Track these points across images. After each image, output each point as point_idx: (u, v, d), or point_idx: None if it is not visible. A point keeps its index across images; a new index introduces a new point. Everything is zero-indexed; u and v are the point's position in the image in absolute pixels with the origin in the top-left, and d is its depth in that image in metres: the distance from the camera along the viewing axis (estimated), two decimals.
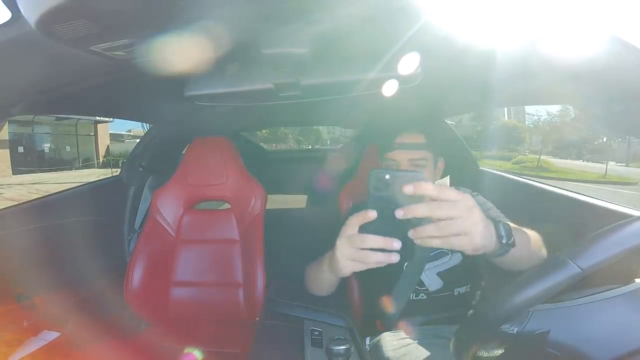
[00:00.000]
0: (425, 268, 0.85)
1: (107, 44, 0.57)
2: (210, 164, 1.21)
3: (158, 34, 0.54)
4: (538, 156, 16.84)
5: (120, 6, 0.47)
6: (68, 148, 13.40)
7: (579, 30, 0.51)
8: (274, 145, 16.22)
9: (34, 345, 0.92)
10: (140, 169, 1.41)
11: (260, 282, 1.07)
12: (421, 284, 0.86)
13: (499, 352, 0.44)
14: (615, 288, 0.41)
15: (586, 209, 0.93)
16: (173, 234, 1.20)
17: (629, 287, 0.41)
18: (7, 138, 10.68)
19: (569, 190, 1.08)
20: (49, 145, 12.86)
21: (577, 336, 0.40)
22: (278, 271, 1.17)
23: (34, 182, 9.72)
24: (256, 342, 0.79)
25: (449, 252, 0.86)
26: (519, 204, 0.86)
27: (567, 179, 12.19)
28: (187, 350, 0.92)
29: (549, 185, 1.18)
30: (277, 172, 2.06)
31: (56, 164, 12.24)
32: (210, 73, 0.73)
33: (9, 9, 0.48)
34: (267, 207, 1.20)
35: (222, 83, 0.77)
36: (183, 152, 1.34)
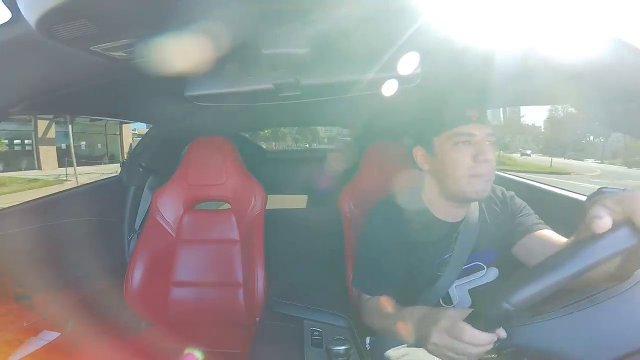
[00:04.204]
0: (457, 283, 0.76)
1: (107, 44, 0.57)
2: (210, 164, 1.21)
3: (158, 34, 0.54)
4: (498, 152, 18.94)
5: (120, 6, 0.47)
6: (99, 145, 15.41)
7: (579, 31, 0.51)
8: (274, 143, 17.08)
9: (34, 345, 0.92)
10: (140, 169, 1.41)
11: (260, 282, 1.07)
12: (448, 299, 0.76)
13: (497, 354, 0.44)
14: (598, 293, 0.41)
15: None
16: (173, 234, 1.20)
17: (622, 287, 0.41)
18: (53, 136, 12.56)
19: (569, 190, 1.08)
20: (84, 142, 14.91)
21: (557, 349, 0.40)
22: (278, 271, 1.17)
23: (85, 172, 10.90)
24: (256, 342, 0.79)
25: (485, 267, 0.77)
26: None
27: (511, 170, 13.65)
28: (187, 350, 0.91)
29: (549, 185, 1.18)
30: (278, 172, 2.06)
31: (90, 159, 13.65)
32: (210, 73, 0.73)
33: (9, 9, 0.48)
34: (267, 208, 1.20)
35: (222, 83, 0.78)
36: (183, 152, 1.34)
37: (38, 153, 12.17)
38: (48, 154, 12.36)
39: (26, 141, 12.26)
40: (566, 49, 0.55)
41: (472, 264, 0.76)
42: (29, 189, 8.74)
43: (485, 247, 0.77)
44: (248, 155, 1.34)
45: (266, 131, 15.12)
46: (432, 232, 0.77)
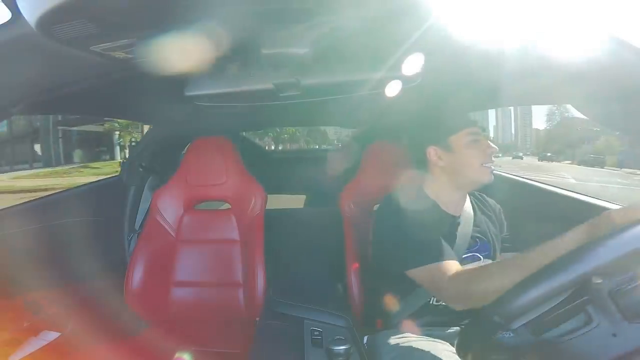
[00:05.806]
0: None
1: (107, 44, 0.57)
2: (210, 164, 1.21)
3: (158, 34, 0.54)
4: None
5: (120, 6, 0.47)
6: None
7: (580, 30, 0.51)
8: (288, 145, 19.57)
9: (34, 345, 0.92)
10: (140, 169, 1.41)
11: (260, 282, 1.07)
12: None
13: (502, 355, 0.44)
14: None
15: (586, 209, 0.93)
16: (173, 234, 1.20)
17: None
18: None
19: (569, 190, 1.08)
20: None
21: None
22: (278, 271, 1.17)
23: None
24: (256, 342, 0.79)
25: (481, 258, 0.81)
26: (519, 204, 0.86)
27: None
28: (178, 354, 0.90)
29: (549, 185, 1.18)
30: (278, 172, 2.05)
31: None
32: (211, 73, 0.73)
33: (9, 9, 0.48)
34: (267, 207, 1.20)
35: (222, 83, 0.78)
36: (183, 152, 1.34)
37: None
38: None
39: None
40: (566, 49, 0.55)
41: (470, 254, 0.82)
42: None
43: (479, 240, 0.84)
44: (248, 156, 1.34)
45: (285, 135, 18.57)
46: (441, 223, 0.83)
